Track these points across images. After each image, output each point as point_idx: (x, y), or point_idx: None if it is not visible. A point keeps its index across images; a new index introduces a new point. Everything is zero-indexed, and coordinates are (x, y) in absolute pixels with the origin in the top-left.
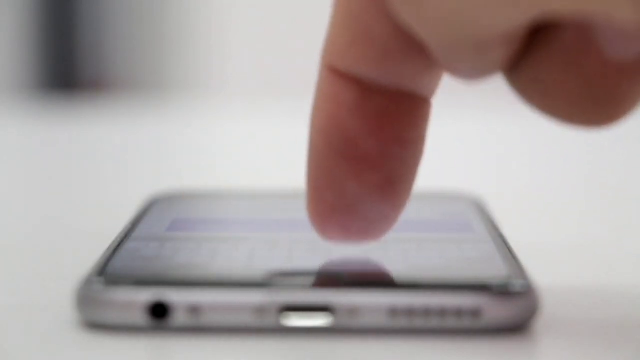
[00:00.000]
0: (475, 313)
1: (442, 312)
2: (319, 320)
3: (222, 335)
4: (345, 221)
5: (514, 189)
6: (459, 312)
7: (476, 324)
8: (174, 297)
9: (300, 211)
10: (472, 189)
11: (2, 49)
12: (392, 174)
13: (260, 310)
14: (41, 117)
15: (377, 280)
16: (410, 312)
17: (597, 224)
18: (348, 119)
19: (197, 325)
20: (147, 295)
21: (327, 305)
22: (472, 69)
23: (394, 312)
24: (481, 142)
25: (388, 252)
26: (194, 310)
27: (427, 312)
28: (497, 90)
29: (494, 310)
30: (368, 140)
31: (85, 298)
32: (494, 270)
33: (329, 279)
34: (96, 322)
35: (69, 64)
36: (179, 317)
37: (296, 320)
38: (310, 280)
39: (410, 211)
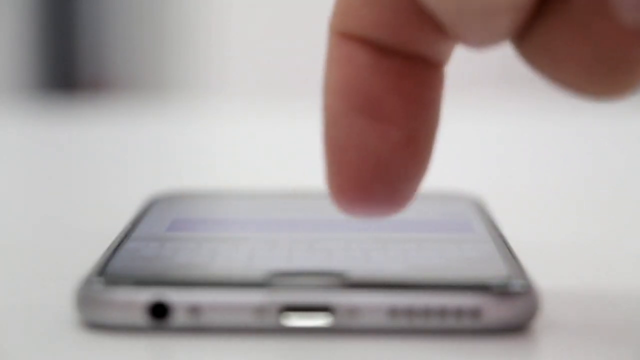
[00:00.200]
0: (475, 313)
1: (442, 312)
2: (319, 321)
3: (222, 335)
4: (369, 185)
5: (514, 189)
6: (459, 312)
7: (476, 324)
8: (174, 297)
9: (300, 211)
10: (472, 189)
11: (2, 49)
12: (414, 133)
13: (260, 310)
14: (41, 117)
15: (377, 280)
16: (410, 312)
17: (597, 224)
18: (368, 77)
19: (197, 325)
20: (147, 295)
21: (327, 305)
22: (480, 37)
23: (394, 312)
24: (481, 142)
25: (388, 252)
26: (194, 310)
27: (427, 312)
28: (497, 90)
29: (494, 310)
30: (390, 96)
31: (85, 298)
32: (494, 270)
33: (329, 279)
34: (96, 322)
35: (69, 64)
36: (179, 317)
37: (296, 320)
38: (310, 280)
39: (411, 211)
